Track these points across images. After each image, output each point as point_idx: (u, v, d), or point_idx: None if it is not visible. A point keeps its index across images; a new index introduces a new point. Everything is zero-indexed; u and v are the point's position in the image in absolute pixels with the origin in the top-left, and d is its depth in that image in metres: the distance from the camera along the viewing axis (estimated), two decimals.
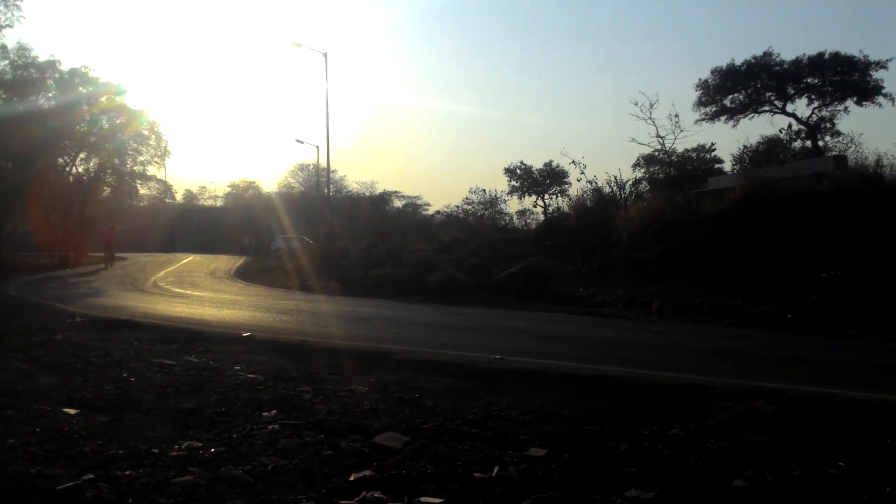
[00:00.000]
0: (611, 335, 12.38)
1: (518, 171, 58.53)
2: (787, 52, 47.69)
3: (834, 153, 33.03)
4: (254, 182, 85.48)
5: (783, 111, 37.61)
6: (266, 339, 10.53)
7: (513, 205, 62.19)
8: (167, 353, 8.91)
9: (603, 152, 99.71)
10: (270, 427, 5.34)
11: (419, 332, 12.42)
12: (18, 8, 34.17)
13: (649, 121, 37.00)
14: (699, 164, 42.43)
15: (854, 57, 35.39)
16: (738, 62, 37.35)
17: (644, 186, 38.11)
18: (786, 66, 36.55)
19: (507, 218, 59.23)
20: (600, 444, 5.03)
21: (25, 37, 46.31)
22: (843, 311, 13.36)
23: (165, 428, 5.28)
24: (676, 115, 37.25)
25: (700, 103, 38.87)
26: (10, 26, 34.56)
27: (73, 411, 5.71)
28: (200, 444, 4.85)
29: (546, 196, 56.51)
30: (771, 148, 38.18)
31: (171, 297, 19.46)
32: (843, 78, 35.72)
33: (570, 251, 24.43)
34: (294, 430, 5.27)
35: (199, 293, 21.06)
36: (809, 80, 36.49)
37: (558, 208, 45.44)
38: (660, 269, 18.40)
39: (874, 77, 35.28)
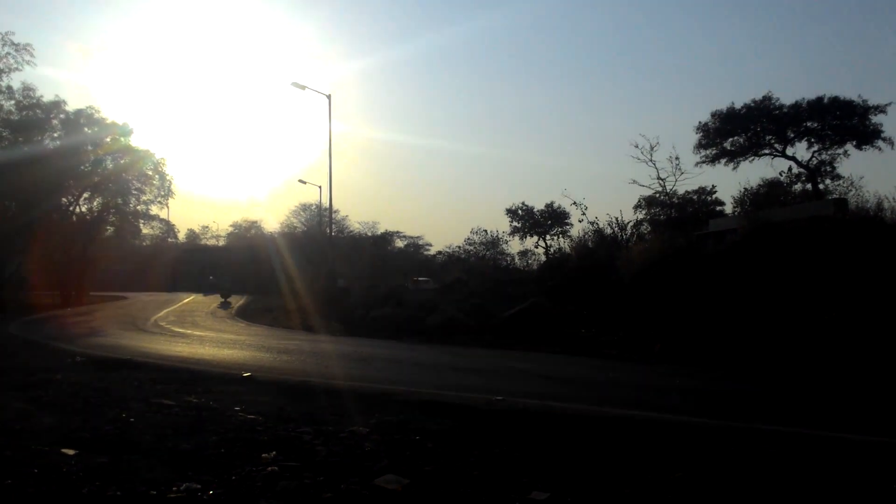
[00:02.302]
0: (613, 377, 12.30)
1: (519, 211, 58.89)
2: (787, 96, 48.17)
3: (834, 196, 33.15)
4: (256, 222, 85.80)
5: (783, 154, 37.86)
6: (267, 380, 10.48)
7: (514, 245, 62.41)
8: (167, 394, 8.86)
9: (604, 193, 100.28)
10: (270, 469, 5.29)
11: (420, 372, 12.36)
12: (29, 53, 34.66)
13: (650, 163, 37.33)
14: (700, 206, 42.57)
15: (853, 101, 35.72)
16: (737, 106, 37.74)
17: (645, 228, 38.20)
18: (785, 110, 36.89)
19: (508, 258, 59.45)
20: (604, 487, 4.97)
21: (31, 77, 46.58)
22: (847, 352, 13.29)
23: (164, 469, 5.23)
24: (677, 158, 37.60)
25: (700, 146, 39.17)
26: (18, 69, 34.98)
27: (71, 452, 5.66)
28: (199, 486, 4.80)
29: (547, 237, 56.75)
30: (771, 191, 38.33)
31: (171, 337, 19.41)
32: (843, 122, 36.00)
33: (571, 292, 24.40)
34: (293, 473, 5.22)
35: (199, 333, 21.01)
36: (809, 123, 36.78)
37: (560, 249, 45.53)
38: (661, 310, 18.34)
39: (873, 121, 35.58)
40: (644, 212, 41.71)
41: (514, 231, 59.38)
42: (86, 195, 43.72)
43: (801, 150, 37.72)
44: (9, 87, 36.68)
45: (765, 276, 17.58)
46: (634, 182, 41.74)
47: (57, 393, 8.70)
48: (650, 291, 19.61)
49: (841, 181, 36.70)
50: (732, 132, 38.25)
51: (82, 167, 41.31)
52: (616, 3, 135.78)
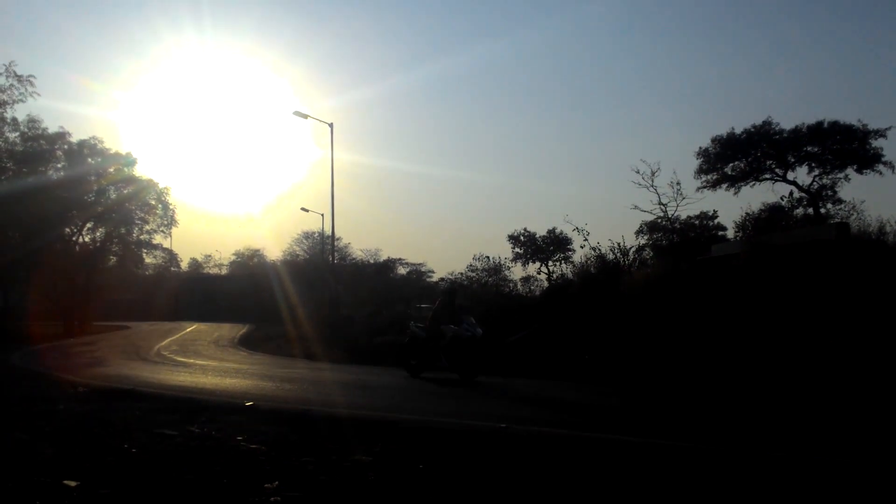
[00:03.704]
0: (617, 402, 12.24)
1: (521, 237, 58.98)
2: (787, 121, 48.40)
3: (836, 220, 33.19)
4: (259, 250, 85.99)
5: (784, 179, 37.99)
6: (269, 409, 10.44)
7: (516, 272, 62.34)
8: (169, 424, 8.83)
9: (606, 219, 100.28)
10: (273, 499, 5.26)
11: (424, 399, 12.30)
12: (32, 84, 34.89)
13: (651, 188, 37.32)
14: (702, 231, 42.60)
15: (853, 126, 35.91)
16: (738, 131, 37.94)
17: (648, 253, 38.16)
18: (785, 135, 37.08)
19: (511, 285, 59.25)
20: None
21: (35, 108, 47.00)
22: (855, 377, 13.26)
23: (167, 501, 5.21)
24: (678, 183, 37.52)
25: (701, 171, 39.32)
26: (22, 101, 35.19)
27: (73, 483, 5.64)
28: None
29: (550, 263, 56.72)
30: (773, 215, 38.43)
31: (174, 366, 19.37)
32: (843, 146, 36.16)
33: (574, 318, 24.34)
34: (296, 503, 5.19)
35: (202, 362, 20.97)
36: (809, 148, 36.96)
37: (562, 275, 45.40)
38: (665, 335, 18.28)
39: (873, 145, 35.73)
40: (646, 237, 41.73)
41: (516, 257, 59.40)
42: (89, 225, 43.96)
43: (802, 174, 37.92)
44: (13, 119, 36.98)
45: (768, 301, 17.55)
46: (636, 207, 41.80)
47: (59, 424, 8.68)
48: (654, 317, 19.55)
49: (842, 205, 36.83)
50: (733, 157, 38.43)
51: (86, 197, 41.57)
52: (615, 30, 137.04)
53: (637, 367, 16.79)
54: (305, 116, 34.75)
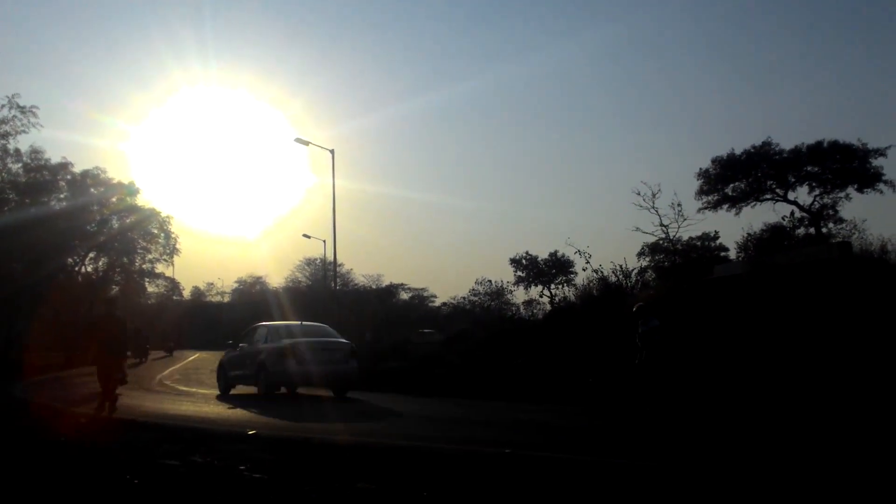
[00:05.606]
0: (620, 427, 12.16)
1: (524, 261, 59.07)
2: (786, 141, 48.60)
3: (838, 240, 33.18)
4: (261, 277, 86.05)
5: (785, 199, 38.05)
6: (271, 438, 10.39)
7: (519, 295, 62.37)
8: (172, 454, 8.77)
9: (608, 241, 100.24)
10: None
11: (426, 426, 12.24)
12: (35, 115, 34.95)
13: (652, 210, 37.36)
14: (704, 252, 42.61)
15: (853, 145, 36.04)
16: (737, 151, 38.06)
17: (650, 275, 38.11)
18: (785, 155, 37.20)
19: (513, 308, 59.32)
20: None
21: (40, 139, 47.11)
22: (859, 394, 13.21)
23: None
24: (679, 204, 37.55)
25: (702, 192, 39.40)
26: (25, 132, 35.22)
27: None
28: None
29: (552, 286, 56.73)
30: (775, 235, 38.45)
31: (176, 396, 19.30)
32: (843, 166, 36.28)
33: (577, 341, 24.26)
34: None
35: (205, 391, 20.89)
36: (809, 168, 37.08)
37: (565, 298, 45.39)
38: (669, 357, 18.21)
39: (874, 164, 35.82)
40: (648, 259, 41.76)
41: (518, 281, 59.55)
42: (91, 255, 44.04)
43: (803, 194, 38.03)
44: (16, 150, 37.05)
45: (772, 321, 17.50)
46: (638, 229, 41.84)
47: (60, 455, 8.62)
48: (656, 339, 19.48)
49: (844, 225, 36.87)
50: (733, 178, 38.56)
51: (88, 227, 41.63)
52: (613, 52, 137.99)
53: (642, 390, 16.70)
54: (307, 143, 34.90)
